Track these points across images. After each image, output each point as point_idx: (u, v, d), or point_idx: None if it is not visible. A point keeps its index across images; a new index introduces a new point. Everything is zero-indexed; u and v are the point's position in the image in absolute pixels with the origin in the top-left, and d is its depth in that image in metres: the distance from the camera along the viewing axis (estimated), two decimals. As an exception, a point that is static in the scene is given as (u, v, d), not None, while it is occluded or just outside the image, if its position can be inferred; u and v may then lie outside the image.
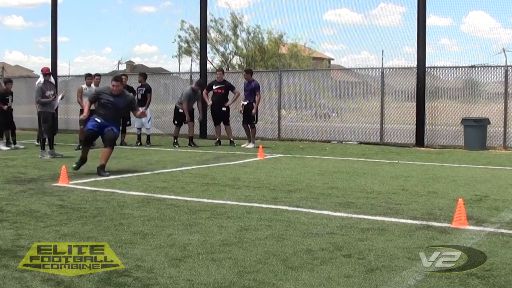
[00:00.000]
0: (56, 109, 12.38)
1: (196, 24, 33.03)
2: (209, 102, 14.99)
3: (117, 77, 9.45)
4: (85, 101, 11.52)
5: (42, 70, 11.77)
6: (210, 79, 17.46)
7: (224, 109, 14.82)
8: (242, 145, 14.16)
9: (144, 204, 6.30)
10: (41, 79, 11.62)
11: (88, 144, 9.35)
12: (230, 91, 14.95)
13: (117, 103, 9.01)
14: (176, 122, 14.56)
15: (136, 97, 14.91)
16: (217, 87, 14.87)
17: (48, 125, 11.42)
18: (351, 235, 4.86)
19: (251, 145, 14.04)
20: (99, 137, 9.26)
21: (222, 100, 14.84)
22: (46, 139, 11.52)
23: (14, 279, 3.67)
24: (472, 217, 5.50)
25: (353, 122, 16.67)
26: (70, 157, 11.51)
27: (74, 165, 8.98)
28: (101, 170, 8.77)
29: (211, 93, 15.08)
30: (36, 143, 13.84)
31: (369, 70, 17.39)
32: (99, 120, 8.94)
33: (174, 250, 4.36)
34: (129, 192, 7.13)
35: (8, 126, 13.64)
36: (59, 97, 11.95)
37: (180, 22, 37.18)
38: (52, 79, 12.10)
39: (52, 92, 11.56)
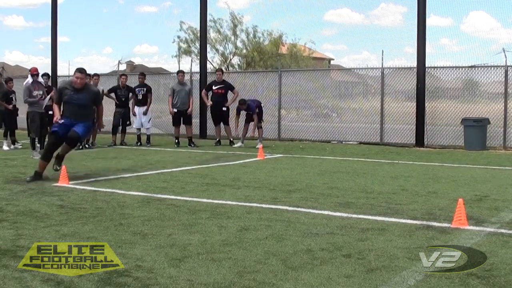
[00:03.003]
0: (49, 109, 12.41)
1: (195, 25, 33.07)
2: (209, 103, 14.97)
3: (82, 68, 8.40)
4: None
5: (30, 70, 11.91)
6: (210, 79, 17.45)
7: (224, 109, 14.81)
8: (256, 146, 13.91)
9: (144, 204, 6.30)
10: (29, 79, 11.80)
11: (51, 151, 8.28)
12: (229, 91, 14.95)
13: (81, 99, 8.20)
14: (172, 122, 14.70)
15: (136, 97, 14.99)
16: (217, 87, 14.85)
17: (35, 125, 11.50)
18: (351, 235, 4.86)
19: (238, 144, 14.16)
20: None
21: (222, 100, 14.82)
22: (36, 139, 11.61)
23: (14, 279, 3.67)
24: (472, 217, 5.49)
25: (353, 122, 16.67)
26: (69, 157, 11.51)
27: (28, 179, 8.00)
28: (56, 161, 8.26)
29: (210, 93, 15.06)
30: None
31: (369, 70, 17.39)
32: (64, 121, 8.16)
33: (174, 250, 4.36)
34: (129, 192, 7.13)
35: (12, 126, 13.64)
36: (48, 97, 12.01)
37: (179, 23, 37.21)
38: (40, 79, 12.17)
39: (41, 92, 11.64)
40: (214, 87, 14.89)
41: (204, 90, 15.39)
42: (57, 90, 8.73)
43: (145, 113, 14.80)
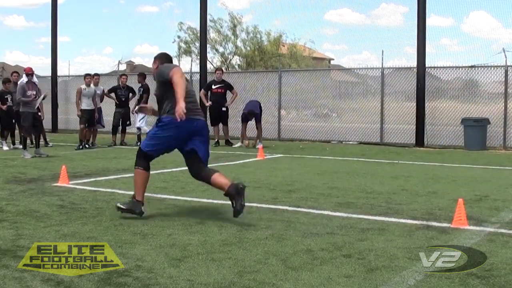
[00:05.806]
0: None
1: (195, 25, 33.10)
2: (208, 103, 14.75)
3: None
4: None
5: (24, 70, 11.96)
6: (210, 79, 17.43)
7: (223, 109, 14.72)
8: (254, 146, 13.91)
9: (144, 204, 6.28)
10: (23, 78, 11.83)
11: None
12: (228, 91, 14.88)
13: None
14: None
15: (136, 97, 15.00)
16: (216, 86, 14.73)
17: (28, 125, 11.49)
18: (351, 235, 4.85)
19: (238, 144, 14.21)
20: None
21: (222, 100, 14.71)
22: (27, 139, 11.64)
23: (14, 279, 3.67)
24: (472, 217, 5.49)
25: (353, 122, 16.68)
26: (69, 157, 11.52)
27: None
28: None
29: (209, 93, 14.97)
30: (49, 145, 13.90)
31: (369, 70, 17.40)
32: None
33: (174, 250, 4.36)
34: (129, 192, 7.10)
35: (10, 126, 13.64)
36: (41, 97, 12.00)
37: (178, 24, 37.22)
38: (35, 79, 12.18)
39: (34, 92, 11.63)
40: (213, 87, 14.78)
41: (202, 90, 15.21)
42: None
43: (137, 112, 14.78)
